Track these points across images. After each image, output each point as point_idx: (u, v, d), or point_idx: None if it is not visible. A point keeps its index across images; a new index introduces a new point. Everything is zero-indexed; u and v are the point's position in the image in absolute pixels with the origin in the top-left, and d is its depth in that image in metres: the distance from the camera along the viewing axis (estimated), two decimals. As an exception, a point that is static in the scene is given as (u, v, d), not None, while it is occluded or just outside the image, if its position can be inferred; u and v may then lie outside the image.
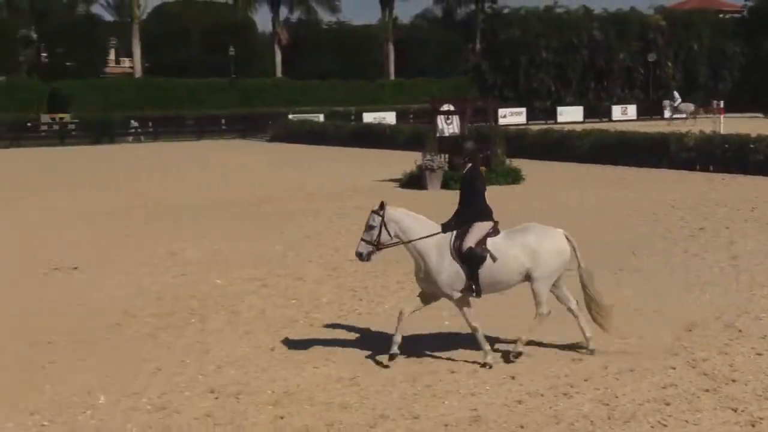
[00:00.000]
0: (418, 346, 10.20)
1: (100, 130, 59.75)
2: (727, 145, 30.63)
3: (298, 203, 24.25)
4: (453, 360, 9.85)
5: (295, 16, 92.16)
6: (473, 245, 9.54)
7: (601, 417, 8.16)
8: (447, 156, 27.91)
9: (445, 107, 29.19)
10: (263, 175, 33.09)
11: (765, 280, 13.58)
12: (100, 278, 14.88)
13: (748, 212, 20.82)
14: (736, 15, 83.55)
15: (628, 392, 8.75)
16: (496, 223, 9.83)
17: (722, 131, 35.85)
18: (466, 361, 9.76)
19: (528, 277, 9.80)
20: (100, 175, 34.91)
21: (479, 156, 10.27)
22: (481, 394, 8.83)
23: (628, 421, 8.07)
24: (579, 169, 31.91)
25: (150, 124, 62.99)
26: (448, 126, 28.60)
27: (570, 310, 10.08)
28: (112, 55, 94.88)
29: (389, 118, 61.84)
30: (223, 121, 65.11)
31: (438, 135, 28.55)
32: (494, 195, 25.02)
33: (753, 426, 7.93)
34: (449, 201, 23.62)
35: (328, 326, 11.43)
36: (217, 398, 8.88)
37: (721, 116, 45.84)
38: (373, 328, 11.20)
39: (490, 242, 9.64)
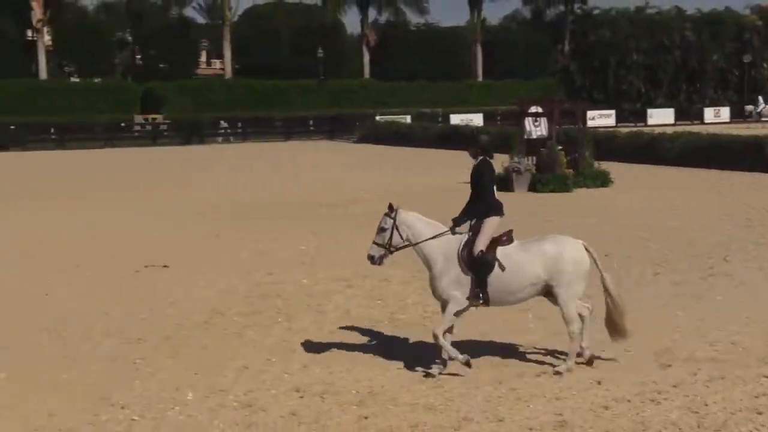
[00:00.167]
0: (503, 348, 10.14)
1: (191, 131, 60.73)
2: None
3: (386, 204, 24.24)
4: (538, 363, 9.77)
5: (384, 17, 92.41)
6: (484, 248, 9.33)
7: (690, 425, 8.00)
8: (534, 158, 27.76)
9: (533, 109, 28.95)
10: (350, 175, 33.24)
11: None
12: (190, 277, 15.11)
13: None
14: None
15: (718, 400, 8.57)
16: (510, 231, 9.62)
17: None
18: (551, 364, 9.67)
19: (547, 291, 9.50)
20: (189, 174, 35.47)
21: (493, 151, 10.02)
22: (567, 398, 8.74)
23: (719, 430, 7.89)
24: (669, 173, 31.36)
25: (239, 124, 63.80)
26: (536, 128, 28.36)
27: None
28: (203, 57, 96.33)
29: (476, 119, 61.67)
30: (311, 122, 65.62)
31: (525, 137, 28.33)
32: (582, 197, 25.03)
33: None
34: (536, 203, 23.61)
35: (412, 327, 11.43)
36: (302, 397, 8.95)
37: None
38: (456, 330, 11.15)
39: (502, 252, 9.40)
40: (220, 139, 62.29)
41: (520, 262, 9.38)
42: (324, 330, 11.45)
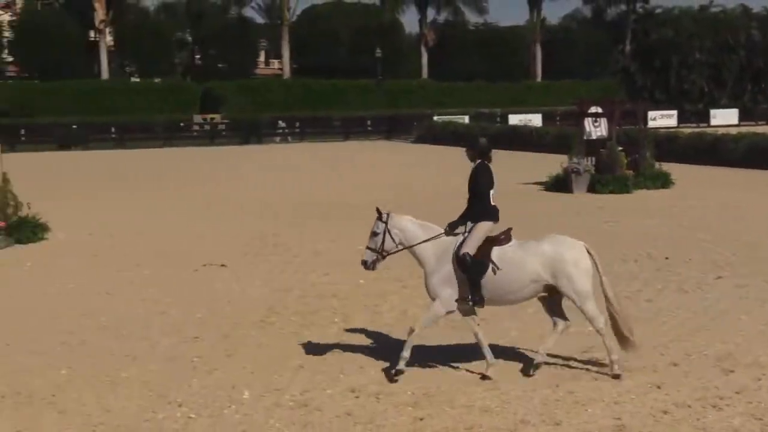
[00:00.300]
0: (561, 351, 10.01)
1: (249, 131, 61.13)
2: None
3: (443, 204, 24.18)
4: (596, 366, 9.64)
5: (442, 17, 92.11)
6: (470, 251, 9.21)
7: (752, 432, 7.85)
8: (594, 159, 27.50)
9: (593, 109, 28.69)
10: (408, 175, 33.23)
11: None
12: (247, 276, 15.21)
13: None
14: None
15: (783, 407, 8.39)
16: (509, 230, 9.49)
17: None
18: (607, 368, 9.52)
19: (550, 291, 9.35)
20: (246, 174, 35.71)
21: (490, 154, 9.83)
22: (626, 402, 8.61)
23: (782, 437, 7.73)
24: (733, 174, 30.87)
25: (297, 124, 64.11)
26: (596, 129, 28.11)
27: (554, 326, 9.61)
28: (262, 57, 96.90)
29: (535, 120, 61.28)
30: (368, 122, 65.70)
31: (585, 138, 28.10)
32: (642, 199, 24.73)
33: None
34: (595, 205, 23.39)
35: (465, 329, 11.33)
36: (357, 397, 8.93)
37: None
38: (513, 333, 11.08)
39: (498, 251, 9.28)
40: (277, 139, 62.64)
41: (517, 262, 9.26)
42: (380, 330, 11.43)
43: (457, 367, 9.76)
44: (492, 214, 9.49)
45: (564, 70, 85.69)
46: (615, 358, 9.34)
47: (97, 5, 74.86)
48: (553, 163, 27.99)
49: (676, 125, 58.17)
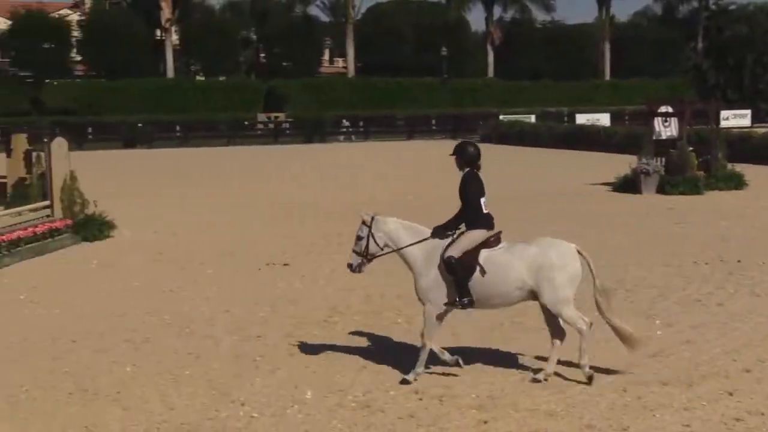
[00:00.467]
0: (626, 355, 9.78)
1: (313, 129, 61.40)
2: None
3: (507, 205, 23.97)
4: (665, 371, 9.41)
5: (509, 15, 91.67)
6: (456, 255, 9.05)
7: (829, 442, 7.58)
8: (663, 159, 27.04)
9: (663, 109, 28.21)
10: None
11: None
12: (310, 275, 15.20)
13: None
14: None
15: None
16: (498, 233, 9.30)
17: None
18: (679, 374, 9.30)
19: (534, 295, 9.10)
20: (309, 173, 35.81)
21: (479, 162, 9.57)
22: (696, 409, 8.38)
23: None
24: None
25: (361, 123, 64.20)
26: (666, 128, 27.66)
27: (552, 346, 9.36)
28: (326, 55, 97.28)
29: (603, 119, 60.56)
30: (433, 121, 65.57)
31: (654, 138, 27.66)
32: (713, 200, 24.26)
33: None
34: (664, 206, 23.00)
35: (533, 331, 11.16)
36: (420, 399, 8.83)
37: None
38: (577, 335, 10.86)
39: (486, 254, 9.11)
40: (341, 137, 62.81)
41: (504, 265, 9.09)
42: (444, 332, 11.28)
43: (523, 371, 9.58)
44: (486, 222, 9.37)
45: (633, 68, 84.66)
46: (584, 363, 9.13)
47: (163, 4, 75.88)
48: (622, 164, 27.54)
49: (749, 125, 57.03)
